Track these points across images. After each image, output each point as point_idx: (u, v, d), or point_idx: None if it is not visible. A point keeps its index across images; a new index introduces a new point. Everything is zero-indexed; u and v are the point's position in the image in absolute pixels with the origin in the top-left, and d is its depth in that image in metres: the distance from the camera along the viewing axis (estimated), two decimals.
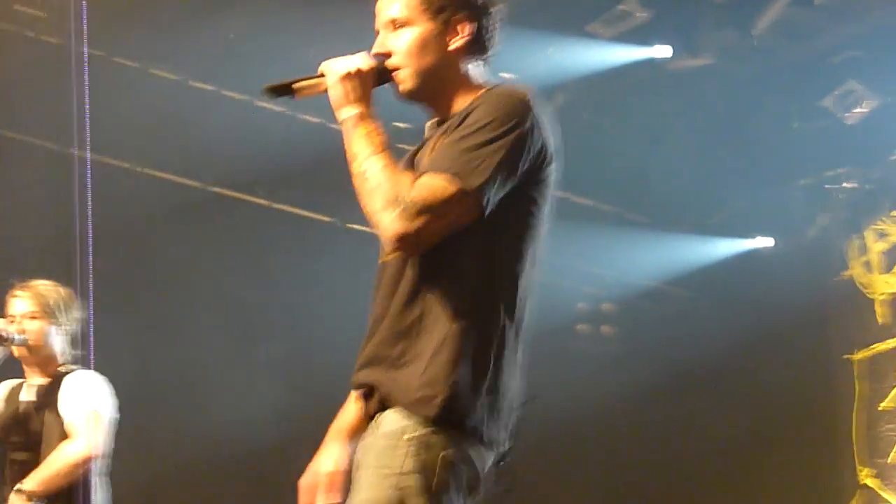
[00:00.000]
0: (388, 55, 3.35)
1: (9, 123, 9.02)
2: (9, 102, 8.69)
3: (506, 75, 9.38)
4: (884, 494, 10.18)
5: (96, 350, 6.06)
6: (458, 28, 3.37)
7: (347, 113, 3.24)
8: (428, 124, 3.45)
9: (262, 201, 10.17)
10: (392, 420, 3.14)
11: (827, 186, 10.81)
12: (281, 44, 8.70)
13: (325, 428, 3.53)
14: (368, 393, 3.25)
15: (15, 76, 8.55)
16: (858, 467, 10.43)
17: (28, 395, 6.04)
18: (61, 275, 6.17)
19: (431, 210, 3.05)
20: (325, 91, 3.31)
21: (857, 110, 9.73)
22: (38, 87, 8.51)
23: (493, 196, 3.12)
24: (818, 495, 10.63)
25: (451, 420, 3.10)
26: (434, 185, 3.07)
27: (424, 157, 3.27)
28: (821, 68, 9.73)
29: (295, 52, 8.77)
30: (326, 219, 10.19)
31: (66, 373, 6.02)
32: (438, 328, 3.13)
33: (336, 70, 3.27)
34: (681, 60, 9.49)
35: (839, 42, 9.62)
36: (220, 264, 9.72)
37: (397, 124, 9.10)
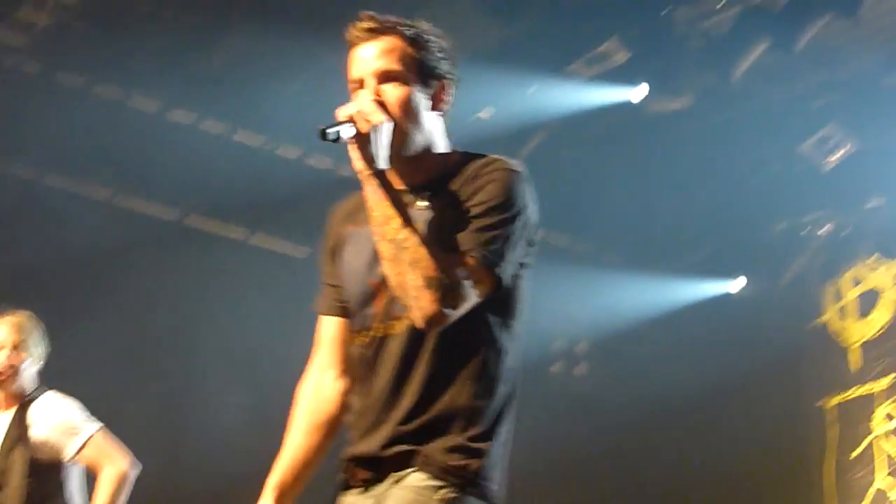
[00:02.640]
0: (382, 105, 3.26)
1: None
2: None
3: (483, 115, 9.43)
4: None
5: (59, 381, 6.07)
6: (445, 92, 3.41)
7: (375, 168, 3.19)
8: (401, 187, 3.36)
9: (238, 235, 10.16)
10: (420, 478, 3.19)
11: (804, 231, 10.84)
12: (263, 76, 8.72)
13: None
14: (373, 464, 3.27)
15: None
16: None
17: None
18: (28, 306, 6.13)
19: (465, 293, 3.13)
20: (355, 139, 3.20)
21: (835, 156, 9.78)
22: (15, 116, 8.50)
23: (509, 274, 3.25)
24: None
25: (479, 486, 3.19)
26: (466, 268, 3.14)
27: (435, 228, 3.24)
28: (799, 113, 9.76)
29: (277, 84, 8.80)
30: (302, 254, 10.18)
31: (32, 400, 5.98)
32: (465, 397, 3.22)
33: (371, 120, 3.19)
34: (660, 102, 9.53)
35: (818, 87, 9.67)
36: (195, 297, 9.70)
37: None
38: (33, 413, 5.92)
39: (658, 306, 11.37)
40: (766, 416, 10.78)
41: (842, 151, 9.72)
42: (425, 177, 3.35)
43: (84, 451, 5.87)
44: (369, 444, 3.27)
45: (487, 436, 3.22)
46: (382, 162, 3.19)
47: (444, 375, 3.22)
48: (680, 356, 11.22)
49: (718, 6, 8.90)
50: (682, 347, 11.30)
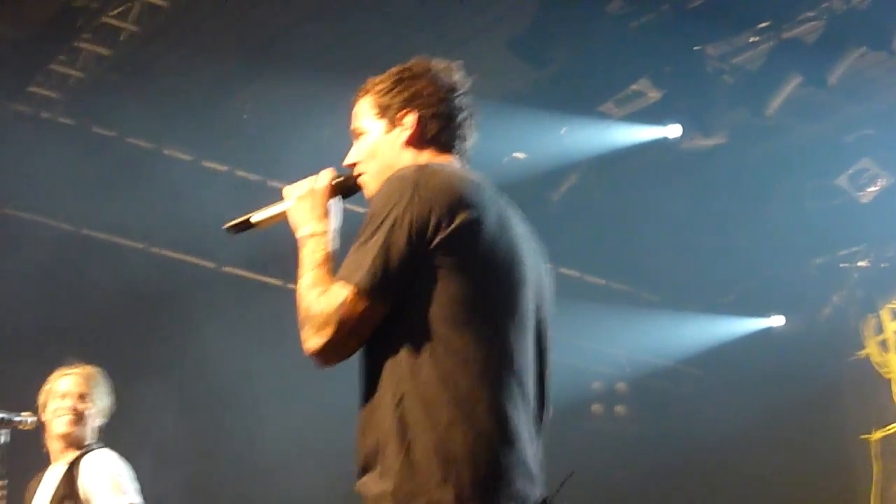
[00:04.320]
0: (353, 165, 3.41)
1: (23, 204, 9.07)
2: (20, 182, 8.73)
3: (518, 155, 9.45)
4: None
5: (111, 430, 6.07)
6: (404, 121, 3.35)
7: (300, 233, 3.30)
8: None
9: (275, 281, 10.18)
10: None
11: (841, 265, 10.79)
12: (295, 124, 8.75)
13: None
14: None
15: (28, 156, 8.60)
16: None
17: (47, 487, 5.98)
18: (71, 354, 6.14)
19: (332, 320, 3.05)
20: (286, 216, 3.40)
21: (871, 189, 9.74)
22: (52, 167, 8.55)
23: (391, 284, 3.06)
24: None
25: None
26: (330, 295, 3.08)
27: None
28: (834, 147, 9.73)
29: (308, 132, 8.82)
30: None
31: (86, 452, 5.97)
32: (388, 420, 3.04)
33: (293, 195, 3.38)
34: (693, 140, 9.50)
35: (852, 121, 9.64)
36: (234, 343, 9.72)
37: None
38: (84, 466, 5.90)
39: (697, 344, 11.33)
40: (810, 451, 10.72)
41: (878, 184, 9.69)
42: None
43: None
44: None
45: (410, 452, 2.99)
46: (301, 229, 3.30)
47: (370, 401, 3.11)
48: (720, 393, 11.17)
49: (750, 41, 8.89)
50: (722, 385, 11.25)
